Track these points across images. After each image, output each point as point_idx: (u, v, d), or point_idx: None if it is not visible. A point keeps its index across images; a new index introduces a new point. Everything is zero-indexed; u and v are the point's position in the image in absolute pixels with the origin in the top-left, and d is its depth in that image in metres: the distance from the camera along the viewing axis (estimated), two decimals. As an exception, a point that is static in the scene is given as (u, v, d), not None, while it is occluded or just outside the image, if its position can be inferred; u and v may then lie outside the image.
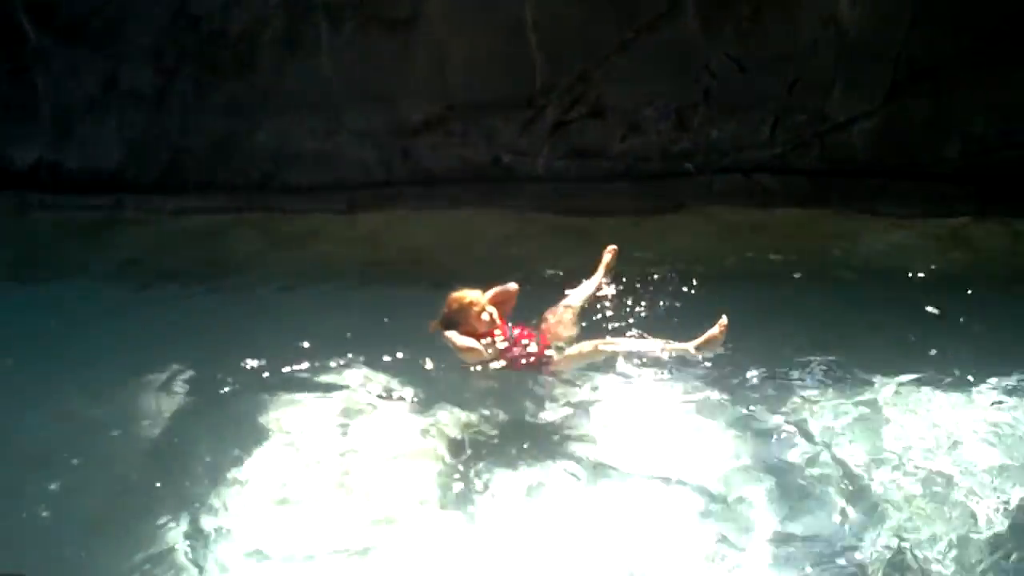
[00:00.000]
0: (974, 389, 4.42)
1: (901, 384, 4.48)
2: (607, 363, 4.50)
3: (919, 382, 4.49)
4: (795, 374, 4.64)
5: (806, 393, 4.43)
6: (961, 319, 4.99)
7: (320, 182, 6.26)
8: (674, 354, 4.29)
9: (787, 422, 4.22)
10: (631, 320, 4.84)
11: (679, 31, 5.81)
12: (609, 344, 4.35)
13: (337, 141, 6.23)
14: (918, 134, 5.78)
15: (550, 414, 4.41)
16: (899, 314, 5.10)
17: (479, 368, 4.39)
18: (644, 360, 4.50)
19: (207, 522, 3.71)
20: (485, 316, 4.31)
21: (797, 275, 5.57)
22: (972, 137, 5.73)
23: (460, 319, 4.29)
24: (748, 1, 5.70)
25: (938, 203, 5.77)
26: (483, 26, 5.99)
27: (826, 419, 4.23)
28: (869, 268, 5.66)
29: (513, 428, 4.32)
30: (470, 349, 4.24)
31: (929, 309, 5.14)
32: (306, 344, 4.82)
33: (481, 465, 4.05)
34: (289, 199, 6.26)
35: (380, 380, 4.59)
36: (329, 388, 4.58)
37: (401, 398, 4.50)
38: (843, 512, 3.68)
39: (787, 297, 5.34)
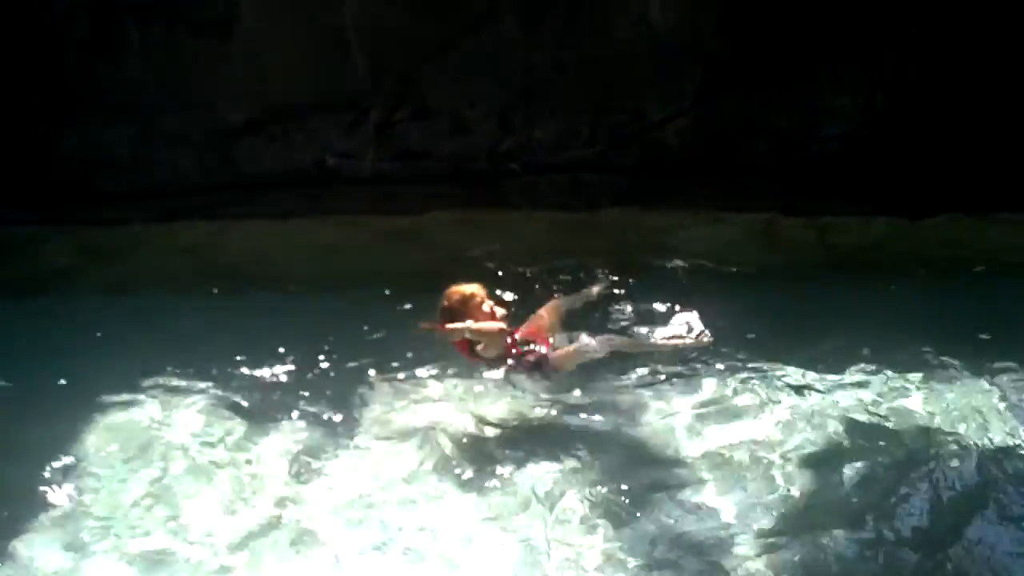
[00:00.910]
0: (789, 374, 4.71)
1: (726, 371, 4.74)
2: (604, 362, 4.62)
3: (738, 369, 4.76)
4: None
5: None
6: (772, 308, 5.27)
7: (135, 190, 6.13)
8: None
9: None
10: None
11: (498, 32, 5.93)
12: (607, 342, 4.52)
13: (152, 147, 6.12)
14: (729, 132, 6.09)
15: (554, 412, 4.49)
16: (718, 305, 5.31)
17: (484, 364, 4.46)
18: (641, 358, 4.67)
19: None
20: (486, 307, 4.35)
21: (621, 271, 5.80)
22: (779, 134, 6.07)
23: (461, 312, 4.29)
24: (564, 3, 5.84)
25: (750, 199, 6.09)
26: (301, 27, 5.98)
27: (648, 416, 4.43)
28: (687, 263, 5.94)
29: (516, 429, 4.37)
30: (496, 331, 4.28)
31: (744, 301, 5.45)
32: (130, 360, 4.76)
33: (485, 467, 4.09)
34: (102, 209, 6.11)
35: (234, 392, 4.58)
36: (168, 402, 4.52)
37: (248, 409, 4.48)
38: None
39: (612, 293, 5.57)
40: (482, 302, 4.36)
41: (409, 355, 4.82)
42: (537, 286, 5.42)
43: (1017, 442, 4.19)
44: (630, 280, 5.49)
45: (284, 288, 5.70)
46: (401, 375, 4.74)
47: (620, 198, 6.12)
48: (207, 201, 6.09)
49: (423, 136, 6.16)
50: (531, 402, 4.53)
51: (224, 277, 5.81)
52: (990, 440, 4.21)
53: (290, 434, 4.26)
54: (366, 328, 5.13)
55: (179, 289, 5.61)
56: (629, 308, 5.32)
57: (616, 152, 6.11)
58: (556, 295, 5.10)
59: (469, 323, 4.25)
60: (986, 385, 4.66)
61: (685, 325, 4.93)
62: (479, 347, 4.41)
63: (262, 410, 4.39)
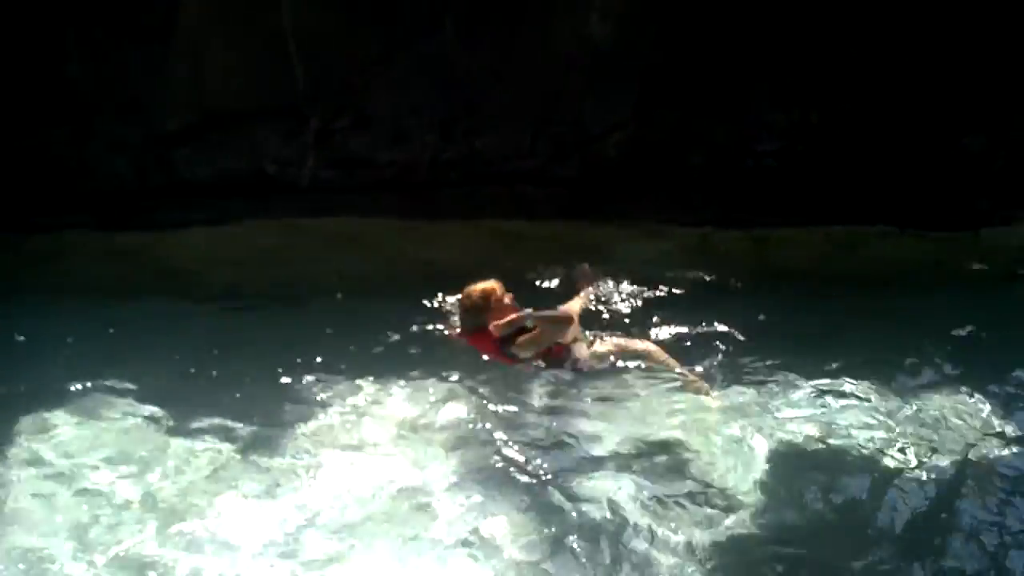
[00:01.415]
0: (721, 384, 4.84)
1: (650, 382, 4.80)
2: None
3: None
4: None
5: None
6: (704, 322, 5.39)
7: (72, 195, 6.13)
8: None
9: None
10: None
11: (439, 43, 6.01)
12: (631, 344, 4.61)
13: (89, 151, 6.12)
14: (667, 145, 6.22)
15: (580, 409, 4.52)
16: (658, 316, 5.47)
17: (510, 365, 4.45)
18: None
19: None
20: (508, 301, 4.36)
21: (556, 284, 5.91)
22: (716, 148, 6.22)
23: (486, 309, 4.30)
24: (505, 16, 5.95)
25: (687, 212, 6.23)
26: (241, 34, 6.01)
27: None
28: (626, 275, 6.06)
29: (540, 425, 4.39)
30: (565, 318, 4.32)
31: (677, 314, 5.59)
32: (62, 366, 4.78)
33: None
34: (37, 214, 6.09)
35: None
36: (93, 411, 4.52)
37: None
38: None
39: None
40: (503, 296, 4.37)
41: (361, 359, 4.91)
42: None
43: (950, 447, 4.33)
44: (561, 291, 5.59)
45: (221, 294, 5.72)
46: (359, 380, 4.77)
47: (560, 210, 6.22)
48: (144, 207, 6.08)
49: (363, 145, 6.22)
50: (526, 405, 4.56)
51: (161, 283, 5.82)
52: (924, 447, 4.36)
53: (215, 442, 4.27)
54: (302, 334, 5.19)
55: (114, 295, 5.59)
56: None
57: (557, 164, 6.21)
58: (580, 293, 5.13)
59: (528, 311, 4.26)
60: (922, 393, 4.82)
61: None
62: (516, 347, 4.35)
63: (185, 416, 4.39)
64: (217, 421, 4.41)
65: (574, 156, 6.23)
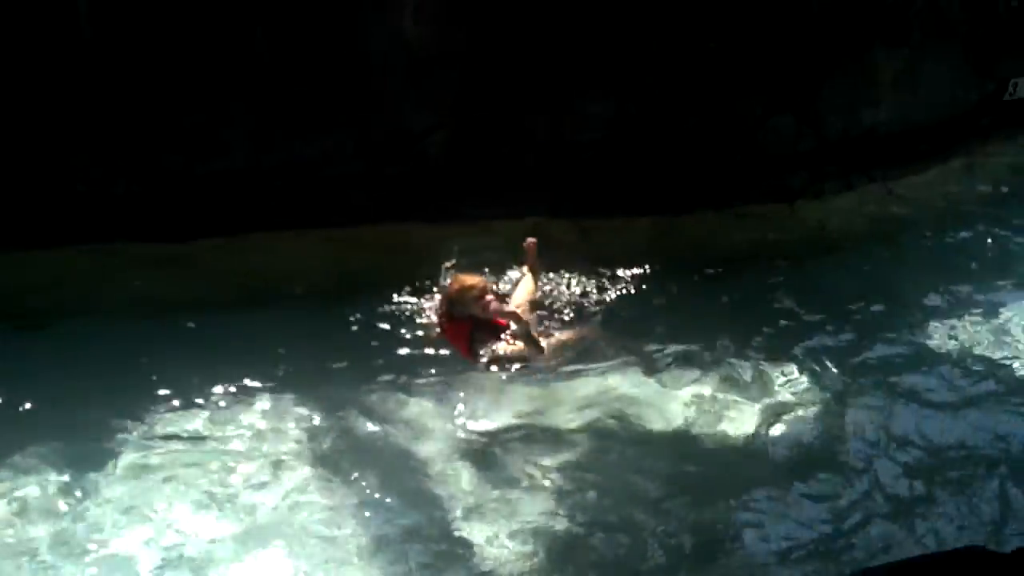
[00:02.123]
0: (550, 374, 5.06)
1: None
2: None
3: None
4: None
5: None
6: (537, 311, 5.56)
7: None
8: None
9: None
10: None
11: (251, 49, 5.96)
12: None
13: None
14: (490, 141, 6.35)
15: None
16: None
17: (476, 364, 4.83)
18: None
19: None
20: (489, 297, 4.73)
21: (392, 288, 5.96)
22: (538, 142, 6.38)
23: (474, 302, 4.69)
24: (317, 21, 5.94)
25: (514, 206, 6.37)
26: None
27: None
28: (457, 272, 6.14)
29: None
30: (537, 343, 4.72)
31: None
32: None
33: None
34: None
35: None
36: None
37: None
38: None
39: (386, 312, 5.71)
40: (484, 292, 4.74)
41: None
42: (301, 307, 5.57)
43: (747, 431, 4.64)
44: (403, 296, 5.70)
45: (43, 318, 5.52)
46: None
47: (388, 212, 6.25)
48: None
49: (180, 158, 6.10)
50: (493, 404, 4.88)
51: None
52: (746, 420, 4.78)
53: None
54: (133, 359, 5.10)
55: None
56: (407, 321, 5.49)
57: (381, 166, 6.24)
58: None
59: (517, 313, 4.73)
60: (750, 368, 5.22)
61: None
62: (490, 353, 4.81)
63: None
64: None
65: (398, 157, 6.27)
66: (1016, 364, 5.17)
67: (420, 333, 5.42)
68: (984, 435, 4.72)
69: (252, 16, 5.75)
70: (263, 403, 4.84)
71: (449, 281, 4.99)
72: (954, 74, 7.48)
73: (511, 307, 5.01)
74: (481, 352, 4.95)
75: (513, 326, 4.90)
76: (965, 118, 7.74)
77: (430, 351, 5.27)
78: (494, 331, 5.00)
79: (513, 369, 4.96)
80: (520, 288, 5.44)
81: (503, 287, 5.58)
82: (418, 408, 4.83)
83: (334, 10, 5.82)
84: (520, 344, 4.90)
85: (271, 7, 5.76)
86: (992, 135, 8.04)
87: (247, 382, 4.94)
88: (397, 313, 5.61)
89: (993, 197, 7.16)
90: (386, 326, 5.53)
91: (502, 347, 4.95)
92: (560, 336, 5.17)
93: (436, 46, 6.08)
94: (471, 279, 4.90)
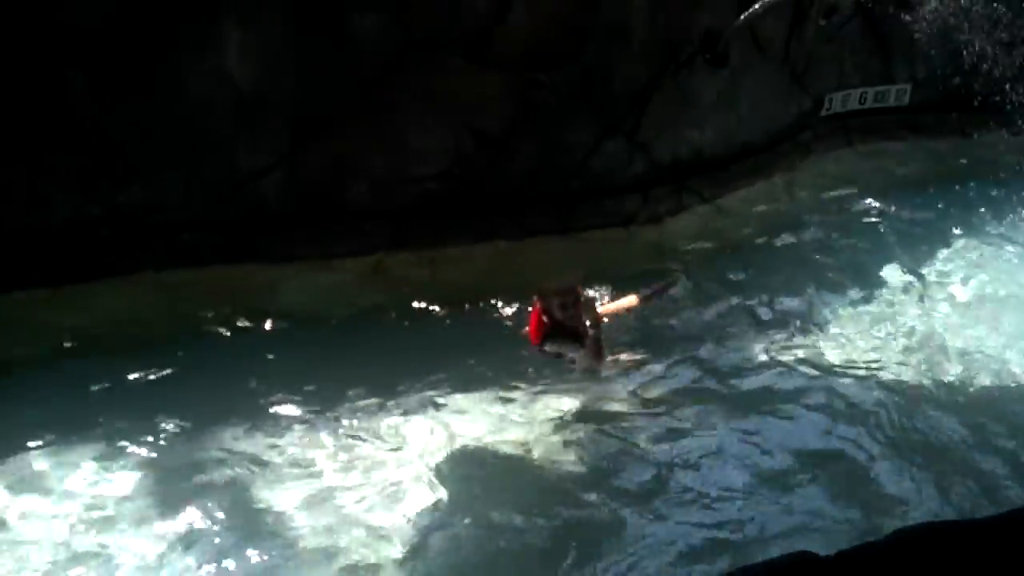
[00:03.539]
0: (397, 409, 5.34)
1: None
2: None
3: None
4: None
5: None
6: (388, 346, 5.89)
7: None
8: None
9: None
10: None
11: (70, 96, 5.92)
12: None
13: None
14: (327, 179, 6.50)
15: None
16: (329, 356, 5.79)
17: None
18: None
19: None
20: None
21: (230, 331, 6.02)
22: (376, 177, 6.58)
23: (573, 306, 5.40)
24: (138, 64, 5.96)
25: (356, 242, 6.54)
26: None
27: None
28: (301, 313, 6.28)
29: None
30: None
31: (359, 343, 5.88)
32: None
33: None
34: None
35: None
36: None
37: None
38: None
39: (225, 357, 5.78)
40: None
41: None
42: (133, 356, 5.56)
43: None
44: (240, 338, 5.75)
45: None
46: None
47: (225, 255, 6.30)
48: None
49: (-1, 212, 5.98)
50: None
51: None
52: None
53: None
54: None
55: None
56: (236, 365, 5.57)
57: (213, 209, 6.29)
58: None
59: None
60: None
61: None
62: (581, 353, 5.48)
63: None
64: None
65: (232, 199, 6.35)
66: (847, 372, 5.66)
67: (264, 371, 5.50)
68: (815, 437, 5.16)
69: (70, 60, 5.71)
70: (82, 459, 4.82)
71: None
72: (773, 93, 8.11)
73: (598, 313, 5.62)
74: (548, 347, 5.56)
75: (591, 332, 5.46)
76: (786, 134, 8.40)
77: (276, 393, 5.36)
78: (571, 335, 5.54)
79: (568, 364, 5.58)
80: (619, 302, 6.14)
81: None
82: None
83: (156, 52, 5.85)
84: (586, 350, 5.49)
85: (90, 50, 5.72)
86: (813, 149, 8.74)
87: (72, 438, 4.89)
88: (230, 354, 5.65)
89: (814, 209, 7.80)
90: (224, 366, 5.56)
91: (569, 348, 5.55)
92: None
93: (265, 85, 6.17)
94: (565, 287, 5.45)
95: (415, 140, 6.52)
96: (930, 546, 2.40)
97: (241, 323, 6.02)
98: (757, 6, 6.92)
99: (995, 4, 7.47)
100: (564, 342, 5.52)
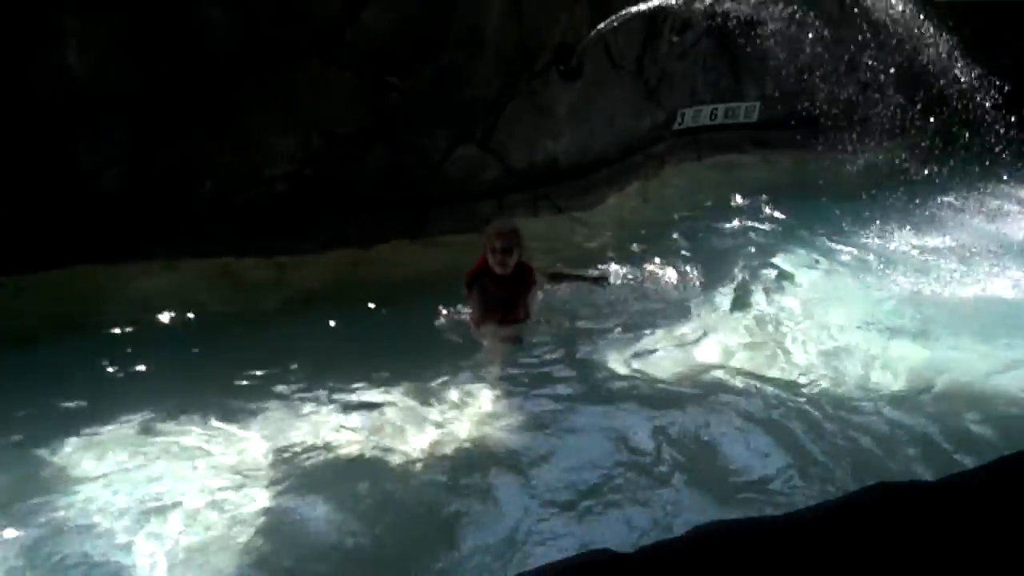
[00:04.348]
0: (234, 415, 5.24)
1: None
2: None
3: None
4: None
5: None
6: (232, 350, 5.81)
7: None
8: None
9: None
10: None
11: None
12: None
13: None
14: (174, 177, 6.42)
15: None
16: (171, 359, 5.71)
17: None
18: None
19: None
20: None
21: (62, 336, 5.86)
22: (226, 176, 6.54)
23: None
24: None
25: (203, 243, 6.48)
26: None
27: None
28: (138, 318, 6.17)
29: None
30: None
31: (195, 350, 5.81)
32: None
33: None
34: None
35: None
36: None
37: None
38: None
39: (62, 362, 5.61)
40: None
41: None
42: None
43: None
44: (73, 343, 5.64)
45: None
46: None
47: (64, 255, 6.15)
48: None
49: None
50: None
51: None
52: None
53: None
54: None
55: None
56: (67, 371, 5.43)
57: (53, 209, 6.14)
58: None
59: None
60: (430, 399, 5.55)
61: None
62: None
63: None
64: None
65: (71, 199, 6.21)
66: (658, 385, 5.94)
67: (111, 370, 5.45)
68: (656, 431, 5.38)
69: None
70: None
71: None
72: (627, 106, 8.45)
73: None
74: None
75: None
76: (640, 147, 8.75)
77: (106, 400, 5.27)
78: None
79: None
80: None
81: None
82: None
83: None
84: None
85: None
86: (667, 162, 9.14)
87: None
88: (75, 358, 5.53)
89: (665, 219, 8.15)
90: (68, 370, 5.46)
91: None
92: None
93: (106, 80, 6.09)
94: (503, 227, 5.81)
95: (264, 140, 6.52)
96: (724, 543, 2.55)
97: (74, 327, 5.84)
98: (610, 20, 7.17)
99: (836, 27, 8.00)
100: (484, 297, 5.77)
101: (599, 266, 6.93)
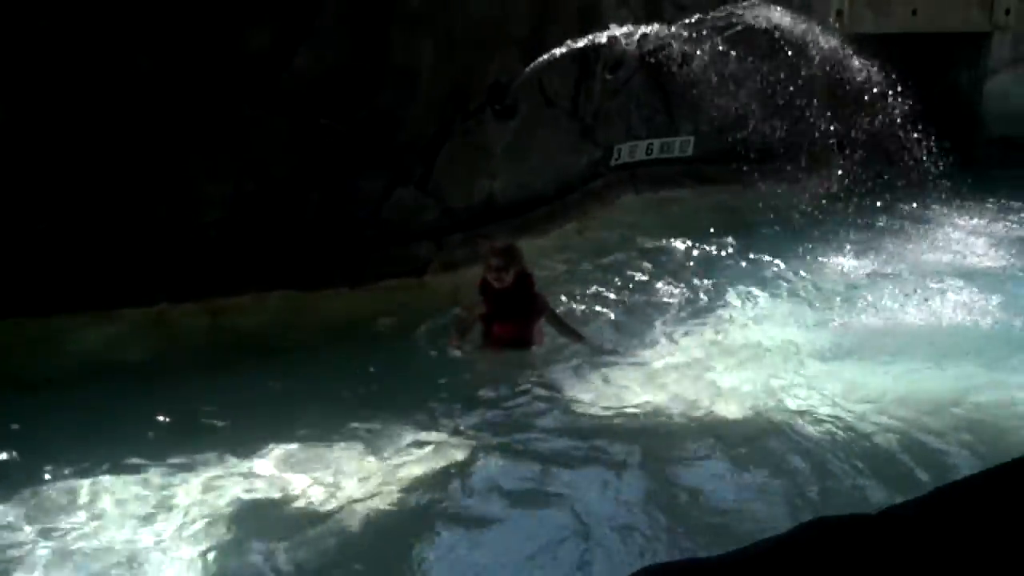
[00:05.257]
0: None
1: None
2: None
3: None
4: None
5: None
6: (168, 399, 5.77)
7: None
8: None
9: None
10: None
11: None
12: None
13: None
14: (104, 225, 6.38)
15: None
16: (107, 410, 5.65)
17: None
18: None
19: None
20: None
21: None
22: (156, 224, 6.53)
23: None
24: None
25: (137, 292, 6.46)
26: None
27: None
28: (72, 369, 6.13)
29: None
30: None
31: (129, 400, 5.79)
32: None
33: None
34: None
35: None
36: None
37: None
38: None
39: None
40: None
41: None
42: None
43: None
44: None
45: None
46: None
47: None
48: None
49: None
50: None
51: None
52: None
53: None
54: None
55: None
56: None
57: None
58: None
59: None
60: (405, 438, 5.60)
61: None
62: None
63: None
64: None
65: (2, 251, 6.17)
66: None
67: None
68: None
69: None
70: None
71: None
72: (563, 144, 8.65)
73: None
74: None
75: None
76: (578, 183, 8.95)
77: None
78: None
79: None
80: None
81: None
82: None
83: None
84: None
85: None
86: (604, 197, 9.34)
87: None
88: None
89: (604, 253, 8.34)
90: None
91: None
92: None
93: (33, 126, 6.08)
94: (500, 246, 6.42)
95: (198, 186, 6.54)
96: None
97: (4, 381, 5.78)
98: (541, 59, 7.37)
99: (766, 61, 8.31)
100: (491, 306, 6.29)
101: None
